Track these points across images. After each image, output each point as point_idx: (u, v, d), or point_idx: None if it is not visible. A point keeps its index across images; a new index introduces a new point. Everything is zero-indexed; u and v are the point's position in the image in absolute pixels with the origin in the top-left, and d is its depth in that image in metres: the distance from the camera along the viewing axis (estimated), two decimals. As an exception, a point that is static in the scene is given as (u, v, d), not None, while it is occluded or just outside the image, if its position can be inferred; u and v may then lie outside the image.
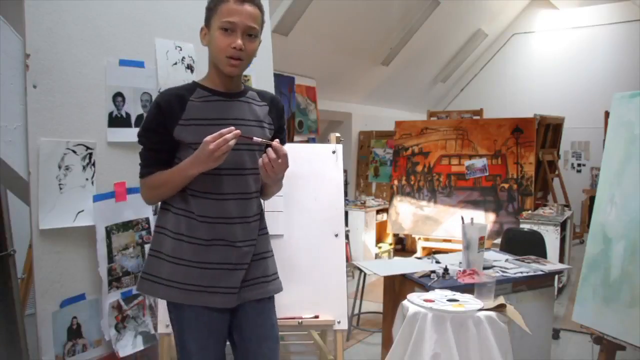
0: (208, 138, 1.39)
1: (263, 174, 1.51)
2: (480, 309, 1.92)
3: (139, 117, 2.29)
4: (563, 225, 4.52)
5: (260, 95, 1.63)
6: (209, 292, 1.52)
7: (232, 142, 1.40)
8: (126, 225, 2.22)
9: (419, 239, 5.93)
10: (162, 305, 1.98)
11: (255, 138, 1.46)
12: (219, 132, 1.39)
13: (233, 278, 1.53)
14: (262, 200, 1.68)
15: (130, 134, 2.27)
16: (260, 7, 1.51)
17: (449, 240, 5.67)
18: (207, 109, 1.52)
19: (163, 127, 1.50)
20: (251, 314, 1.59)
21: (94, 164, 2.13)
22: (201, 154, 1.41)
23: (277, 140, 1.50)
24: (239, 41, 1.45)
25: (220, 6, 1.47)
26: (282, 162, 1.46)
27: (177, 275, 1.52)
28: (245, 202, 1.56)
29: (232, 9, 1.45)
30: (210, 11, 1.50)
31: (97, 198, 2.13)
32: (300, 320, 2.18)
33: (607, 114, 5.34)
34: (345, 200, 5.01)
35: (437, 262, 2.84)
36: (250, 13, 1.46)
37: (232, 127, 1.41)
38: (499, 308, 1.94)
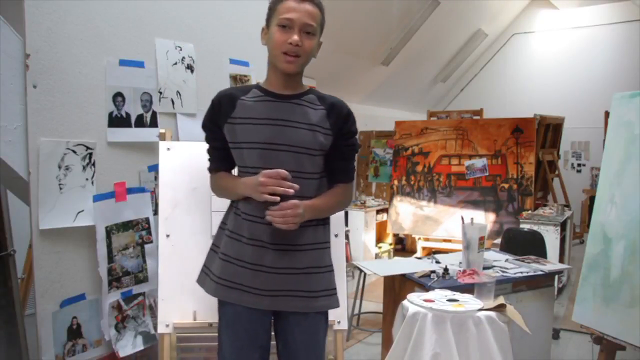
0: (266, 171, 1.42)
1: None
2: (480, 309, 1.92)
3: (139, 117, 2.29)
4: (563, 225, 4.52)
5: (320, 99, 1.58)
6: (242, 291, 1.52)
7: (281, 190, 1.40)
8: (126, 225, 2.22)
9: (419, 239, 5.92)
10: (161, 305, 1.98)
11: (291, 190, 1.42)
12: (277, 172, 1.41)
13: (266, 280, 1.51)
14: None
15: (131, 134, 2.27)
16: (319, 7, 1.52)
17: (449, 240, 5.67)
18: (256, 108, 1.53)
19: (216, 124, 1.57)
20: (296, 330, 1.56)
21: (94, 164, 2.13)
22: (252, 181, 1.45)
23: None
24: (295, 37, 1.45)
25: (279, 5, 1.48)
26: (281, 219, 1.42)
27: (221, 271, 1.56)
28: None
29: (290, 6, 1.46)
30: (271, 10, 1.52)
31: (97, 198, 2.13)
32: (300, 320, 2.16)
33: (607, 114, 5.34)
34: (345, 200, 4.99)
35: (437, 262, 2.83)
36: (308, 11, 1.47)
37: (292, 185, 1.41)
38: (499, 308, 1.94)
